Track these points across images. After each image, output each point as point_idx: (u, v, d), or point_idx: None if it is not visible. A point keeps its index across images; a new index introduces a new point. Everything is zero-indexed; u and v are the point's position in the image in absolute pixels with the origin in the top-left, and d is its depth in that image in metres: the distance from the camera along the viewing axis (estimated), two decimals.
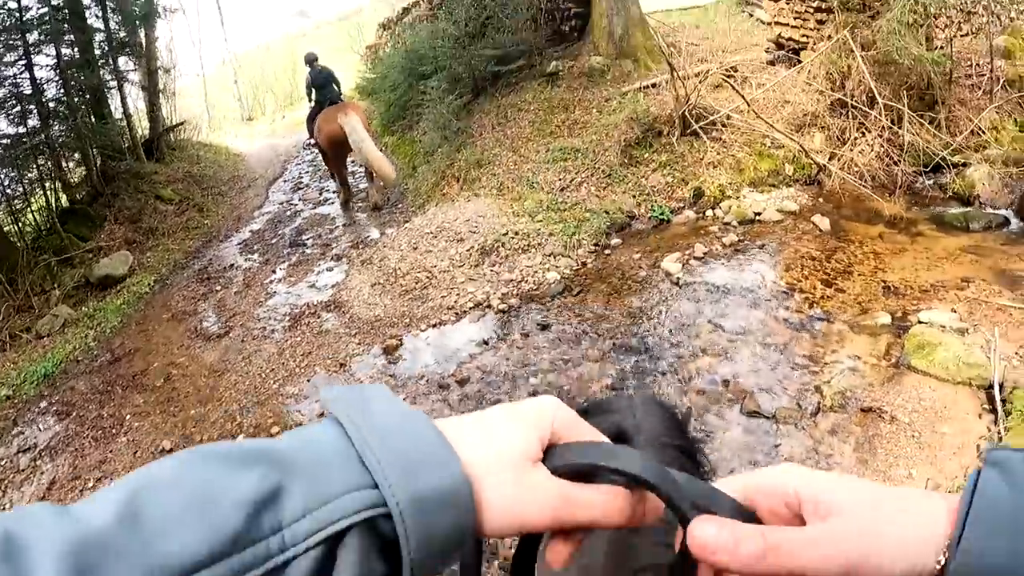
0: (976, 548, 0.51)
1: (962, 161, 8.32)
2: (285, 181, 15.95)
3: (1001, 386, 4.69)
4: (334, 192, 13.29)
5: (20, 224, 12.51)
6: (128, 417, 6.74)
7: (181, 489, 0.49)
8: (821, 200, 8.51)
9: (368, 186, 12.13)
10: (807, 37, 10.59)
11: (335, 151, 11.56)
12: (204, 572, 0.45)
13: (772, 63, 11.35)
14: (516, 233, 8.37)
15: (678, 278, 7.13)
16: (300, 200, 13.75)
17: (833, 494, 0.59)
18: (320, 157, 13.77)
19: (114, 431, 6.56)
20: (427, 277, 7.94)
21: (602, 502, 0.62)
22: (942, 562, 0.53)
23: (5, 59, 12.57)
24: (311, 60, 13.12)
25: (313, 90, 12.96)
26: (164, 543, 0.45)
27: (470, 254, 8.17)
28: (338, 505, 0.52)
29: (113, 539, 0.44)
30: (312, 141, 13.48)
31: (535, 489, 0.60)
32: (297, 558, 0.50)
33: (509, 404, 0.68)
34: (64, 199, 13.65)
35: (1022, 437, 4.12)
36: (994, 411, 4.57)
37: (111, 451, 6.22)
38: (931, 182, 8.44)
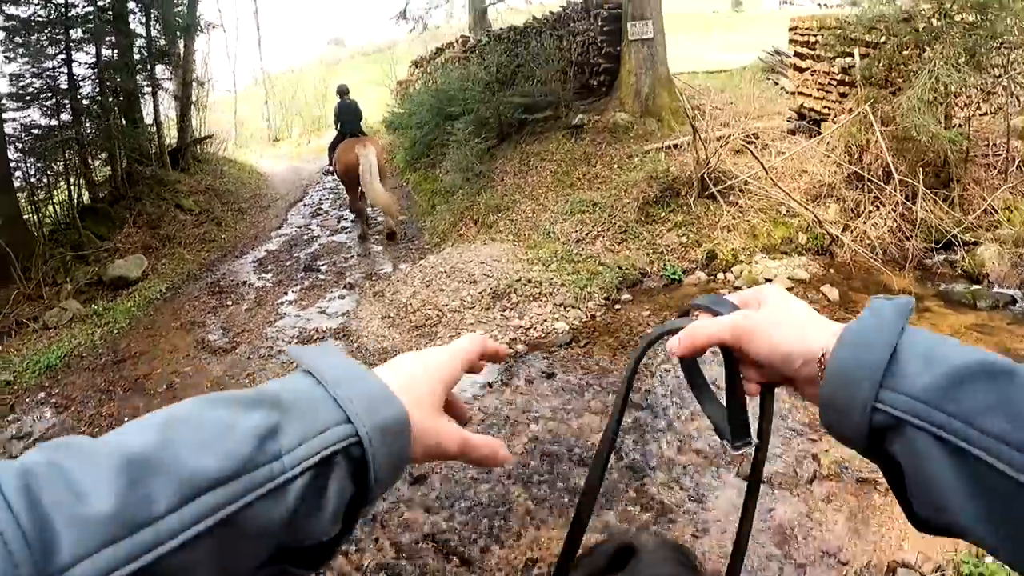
0: (840, 355, 0.77)
1: (973, 239, 8.36)
2: (305, 205, 16.09)
3: None
4: (352, 222, 13.46)
5: (40, 215, 12.63)
6: (126, 419, 6.71)
7: (202, 423, 0.61)
8: (832, 270, 8.55)
9: (384, 216, 12.35)
10: (829, 109, 10.73)
11: (350, 180, 12.07)
12: (226, 486, 0.58)
13: (793, 132, 11.47)
14: (529, 280, 8.43)
15: None
16: (318, 226, 13.87)
17: (769, 297, 0.91)
18: (341, 186, 13.98)
19: (110, 431, 6.57)
20: (437, 315, 7.99)
21: (487, 445, 0.85)
22: (824, 353, 0.79)
23: (46, 52, 12.76)
24: (343, 92, 13.56)
25: (339, 120, 13.49)
26: (194, 461, 0.57)
27: (482, 296, 8.22)
28: (326, 436, 0.66)
29: (154, 457, 0.56)
30: (330, 168, 14.00)
31: (448, 432, 0.80)
32: (295, 479, 0.63)
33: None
34: (86, 196, 13.80)
35: None
36: None
37: None
38: (942, 258, 8.47)
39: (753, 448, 0.94)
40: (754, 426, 0.93)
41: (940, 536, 0.75)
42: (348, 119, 13.35)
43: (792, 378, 0.87)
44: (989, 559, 3.85)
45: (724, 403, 0.94)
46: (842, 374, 0.76)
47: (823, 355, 0.80)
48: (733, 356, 0.89)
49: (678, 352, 0.91)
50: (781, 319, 0.87)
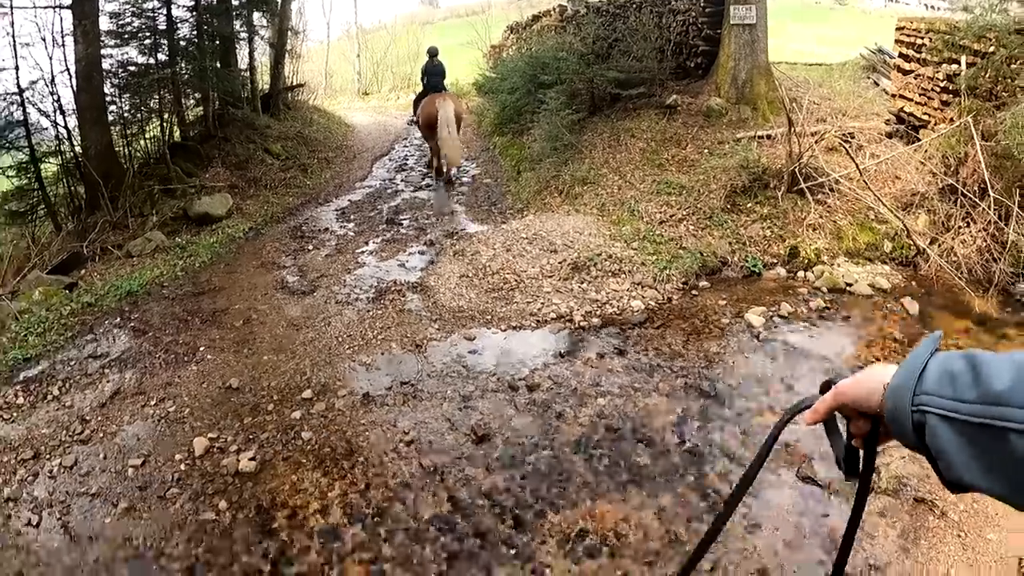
0: (894, 380, 1.12)
1: None
2: (390, 160, 16.17)
3: None
4: (432, 178, 13.62)
5: (132, 148, 12.88)
6: (202, 348, 6.86)
7: None
8: (914, 283, 8.28)
9: (447, 163, 13.36)
10: (929, 116, 10.36)
11: (431, 130, 13.15)
12: None
13: (890, 135, 11.12)
14: (609, 256, 8.33)
15: (759, 332, 7.01)
16: (402, 181, 13.91)
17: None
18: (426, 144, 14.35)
19: (186, 358, 6.68)
20: (515, 280, 7.94)
21: None
22: (886, 383, 1.15)
23: None
24: (432, 53, 14.61)
25: (426, 77, 14.54)
26: None
27: (561, 267, 8.15)
28: None
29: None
30: (415, 119, 14.67)
31: None
32: None
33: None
34: (177, 133, 14.07)
35: None
36: None
37: (179, 376, 6.33)
38: None
39: (857, 481, 1.38)
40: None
41: (963, 492, 1.06)
42: (435, 77, 14.33)
43: (878, 411, 1.19)
44: None
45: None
46: (894, 392, 1.11)
47: (885, 385, 1.16)
48: (845, 414, 1.30)
49: (809, 420, 1.34)
50: (863, 374, 1.26)
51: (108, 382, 6.31)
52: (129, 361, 6.70)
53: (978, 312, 7.54)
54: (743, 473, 1.41)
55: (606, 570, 4.10)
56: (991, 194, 8.25)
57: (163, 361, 6.65)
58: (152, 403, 5.92)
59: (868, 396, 1.19)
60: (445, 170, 13.50)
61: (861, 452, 1.32)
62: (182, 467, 5.07)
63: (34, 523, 4.64)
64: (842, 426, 1.39)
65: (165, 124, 13.60)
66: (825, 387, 1.32)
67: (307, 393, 5.94)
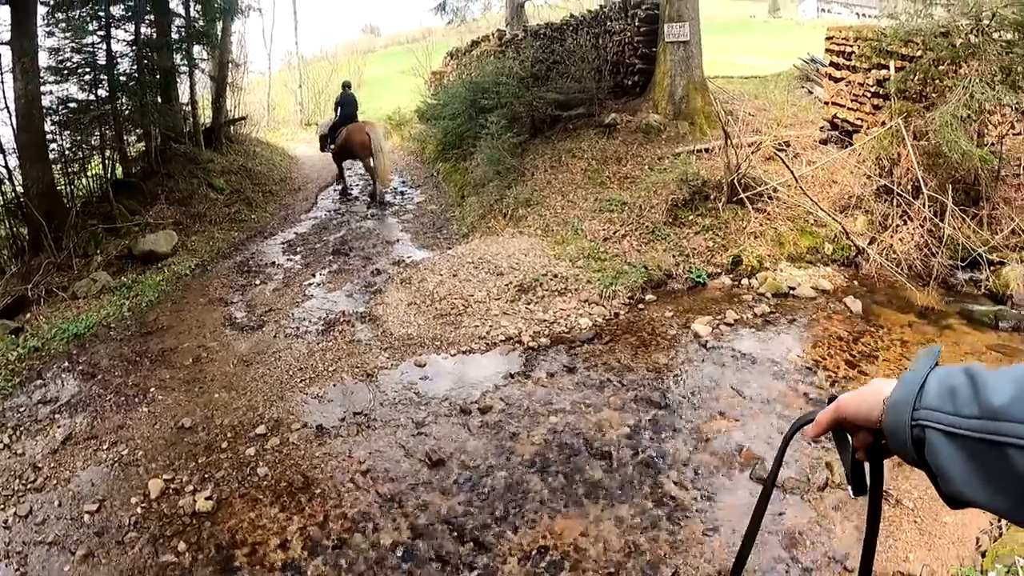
0: (893, 395, 1.10)
1: (999, 259, 8.32)
2: (335, 190, 16.19)
3: None
4: (382, 208, 13.62)
5: (74, 187, 12.74)
6: (153, 389, 6.83)
7: None
8: (856, 282, 8.54)
9: (373, 185, 14.78)
10: (862, 120, 10.69)
11: (360, 154, 14.49)
12: None
13: (824, 142, 11.44)
14: (555, 275, 8.46)
15: (706, 341, 7.18)
16: (348, 211, 13.97)
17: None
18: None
19: (137, 400, 6.65)
20: (463, 305, 8.04)
21: None
22: (887, 398, 1.13)
23: (86, 27, 12.87)
24: (346, 86, 16.47)
25: (340, 107, 15.69)
26: None
27: (508, 289, 8.26)
28: None
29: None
30: (331, 146, 15.66)
31: None
32: None
33: None
34: (120, 170, 13.89)
35: (1022, 535, 4.14)
36: None
37: (131, 418, 6.30)
38: (966, 277, 8.43)
39: (866, 496, 1.36)
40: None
41: (960, 508, 1.04)
42: (348, 107, 15.55)
43: (879, 426, 1.18)
44: (992, 573, 3.85)
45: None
46: (893, 407, 1.09)
47: (885, 399, 1.14)
48: (846, 431, 1.29)
49: (810, 434, 1.34)
50: (865, 389, 1.22)
51: (59, 427, 6.26)
52: (79, 405, 6.65)
53: (920, 305, 7.80)
54: (761, 491, 1.50)
55: None
56: (925, 191, 8.54)
57: (114, 404, 6.61)
58: (105, 447, 5.89)
59: (869, 411, 1.19)
60: (379, 189, 14.64)
61: (867, 466, 1.33)
62: (139, 510, 5.05)
63: None
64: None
65: (107, 161, 13.49)
66: (831, 401, 1.32)
67: (260, 429, 5.95)
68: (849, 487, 1.37)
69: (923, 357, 1.13)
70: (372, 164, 14.40)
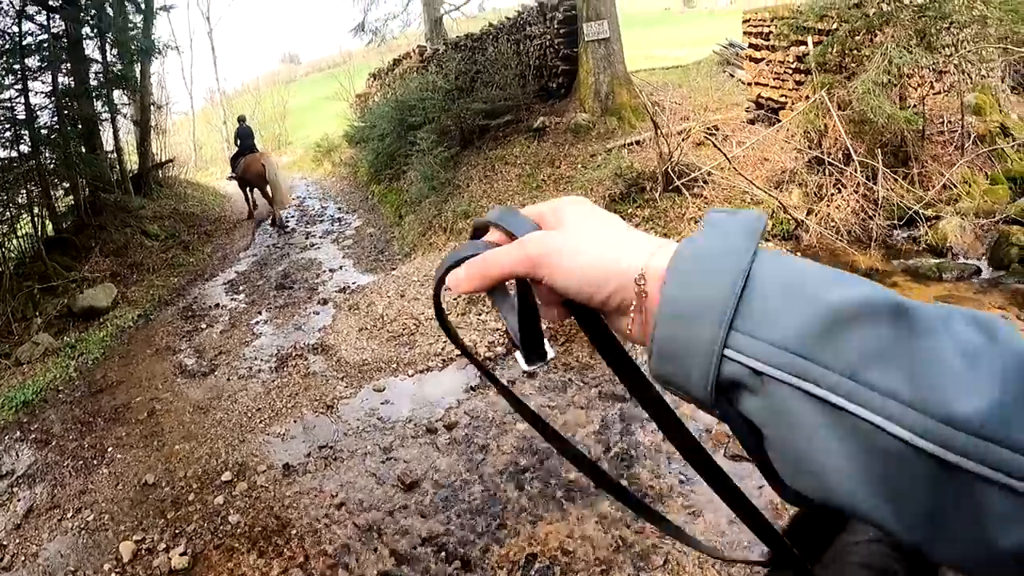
0: (675, 285, 0.62)
1: (935, 214, 8.54)
2: (272, 224, 16.04)
3: None
4: (320, 237, 13.59)
5: (4, 249, 12.44)
6: (110, 449, 6.70)
7: None
8: (798, 254, 8.64)
9: (272, 210, 15.55)
10: (786, 97, 10.89)
11: (258, 183, 15.39)
12: None
13: (752, 122, 11.63)
14: None
15: None
16: (286, 244, 13.85)
17: (568, 213, 0.76)
18: (307, 203, 14.57)
19: (95, 462, 6.52)
20: (414, 324, 8.01)
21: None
22: (645, 275, 0.66)
23: (2, 82, 12.61)
24: (242, 120, 17.67)
25: (239, 139, 16.88)
26: None
27: (457, 303, 8.24)
28: None
29: None
30: (234, 176, 16.84)
31: None
32: None
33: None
34: (50, 227, 13.65)
35: None
36: None
37: (92, 482, 6.17)
38: (905, 235, 8.64)
39: (546, 364, 0.95)
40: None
41: (811, 508, 0.65)
42: (247, 139, 16.80)
43: (604, 310, 0.73)
44: None
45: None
46: (678, 310, 0.61)
47: (641, 279, 0.67)
48: (527, 284, 0.77)
49: (464, 288, 0.76)
50: (587, 238, 0.72)
51: (19, 501, 6.11)
52: (37, 475, 6.49)
53: (864, 267, 7.97)
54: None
55: None
56: (855, 158, 8.75)
57: (72, 469, 6.47)
58: (69, 515, 5.75)
59: (596, 291, 0.70)
60: (278, 214, 15.48)
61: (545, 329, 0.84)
62: None
63: None
64: None
65: (36, 219, 13.21)
66: (480, 232, 0.85)
67: (226, 475, 5.86)
68: (519, 354, 0.83)
69: (730, 225, 0.66)
70: (269, 192, 15.25)
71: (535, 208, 0.80)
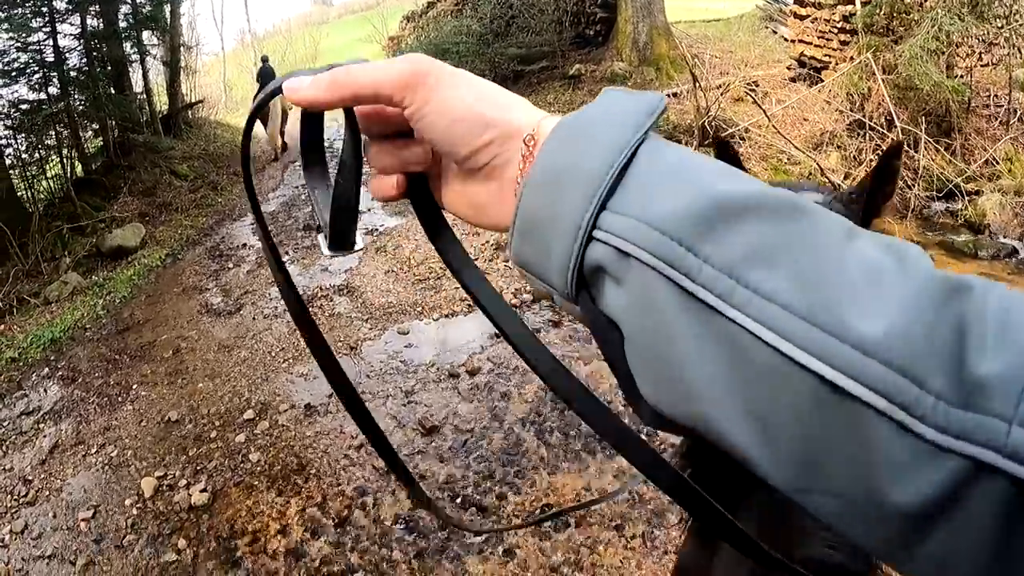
0: (553, 148, 0.55)
1: (975, 189, 8.34)
2: (300, 166, 15.99)
3: None
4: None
5: (34, 190, 12.50)
6: (135, 386, 6.72)
7: None
8: None
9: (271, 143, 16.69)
10: (829, 57, 10.62)
11: (262, 118, 15.45)
12: None
13: (793, 80, 11.38)
14: None
15: None
16: None
17: (446, 73, 0.63)
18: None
19: (120, 399, 6.54)
20: (441, 268, 7.94)
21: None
22: (534, 136, 0.58)
23: (30, 25, 12.56)
24: (264, 59, 18.23)
25: (262, 79, 17.18)
26: None
27: (485, 248, 8.18)
28: None
29: None
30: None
31: None
32: None
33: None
34: (79, 168, 13.66)
35: None
36: None
37: (116, 418, 6.20)
38: (943, 208, 8.44)
39: (354, 254, 0.75)
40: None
41: (674, 434, 0.61)
42: (267, 79, 15.81)
43: (464, 167, 0.64)
44: None
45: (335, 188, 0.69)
46: (547, 179, 0.54)
47: (531, 139, 0.59)
48: (358, 124, 0.66)
49: (306, 95, 0.64)
50: (477, 82, 0.63)
51: (45, 437, 6.15)
52: (63, 412, 6.53)
53: (899, 238, 7.76)
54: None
55: (575, 540, 4.14)
56: (898, 124, 8.53)
57: (97, 406, 6.50)
58: (93, 451, 5.78)
59: (471, 134, 0.60)
60: (273, 144, 16.58)
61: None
62: (134, 511, 4.96)
63: None
64: None
65: (66, 160, 13.23)
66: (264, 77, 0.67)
67: (249, 414, 5.86)
68: (323, 235, 0.74)
69: (624, 100, 0.57)
70: (268, 127, 16.23)
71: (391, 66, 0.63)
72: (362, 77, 0.61)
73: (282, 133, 17.05)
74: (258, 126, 16.75)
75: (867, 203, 1.28)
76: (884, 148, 8.49)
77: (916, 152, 8.50)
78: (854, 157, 9.02)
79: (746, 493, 1.00)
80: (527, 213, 0.55)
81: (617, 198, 0.51)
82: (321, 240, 0.74)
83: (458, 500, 4.56)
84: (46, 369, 7.57)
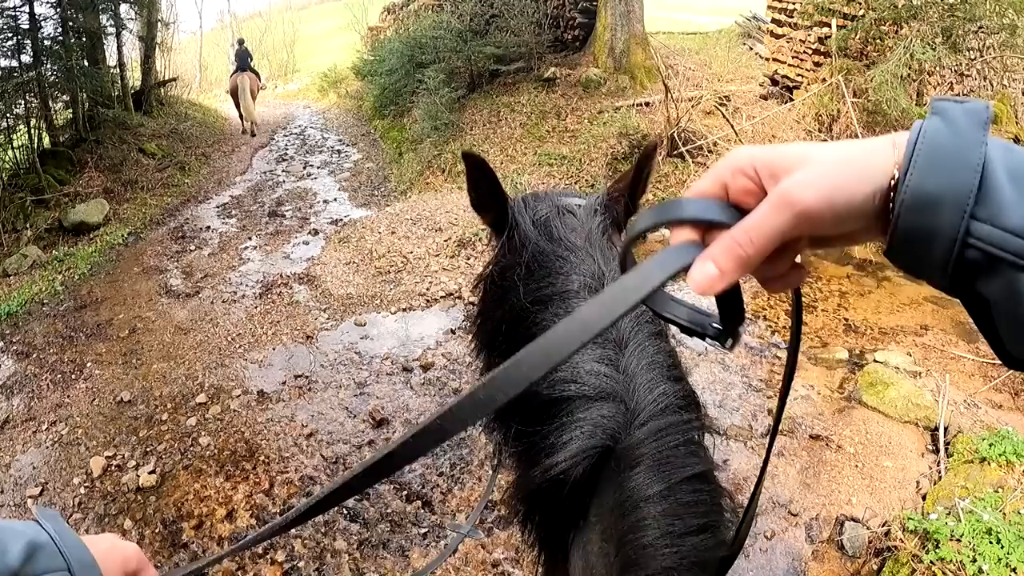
0: (918, 178, 0.64)
1: None
2: (270, 151, 15.99)
3: (946, 429, 4.90)
4: (318, 167, 13.59)
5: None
6: (89, 364, 6.71)
7: None
8: None
9: (246, 123, 18.39)
10: (802, 77, 10.78)
11: (234, 94, 18.03)
12: None
13: (765, 98, 11.53)
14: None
15: None
16: (283, 172, 13.80)
17: (784, 157, 0.71)
18: (307, 132, 14.58)
19: (74, 376, 6.54)
20: (402, 262, 8.01)
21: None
22: (894, 177, 0.66)
23: None
24: (240, 42, 19.66)
25: (237, 60, 18.73)
26: None
27: (447, 244, 8.24)
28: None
29: None
30: (228, 90, 19.33)
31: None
32: None
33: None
34: (47, 140, 13.50)
35: (960, 478, 4.27)
36: (936, 451, 4.77)
37: (69, 396, 6.20)
38: None
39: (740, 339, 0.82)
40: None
41: None
42: (242, 60, 18.50)
43: (849, 231, 0.71)
44: (934, 515, 3.96)
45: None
46: (920, 203, 0.64)
47: (893, 181, 0.67)
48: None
49: (729, 279, 0.71)
50: (830, 158, 0.69)
51: None
52: (15, 387, 6.51)
53: (858, 258, 7.95)
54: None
55: (517, 538, 4.22)
56: None
57: (50, 382, 6.49)
58: (43, 428, 5.78)
59: (848, 202, 0.68)
60: (247, 124, 18.30)
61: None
62: (82, 490, 4.98)
63: None
64: None
65: (33, 130, 13.06)
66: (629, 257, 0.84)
67: (201, 397, 5.89)
68: (709, 335, 0.84)
69: (959, 117, 0.66)
70: (241, 105, 17.84)
71: (707, 181, 0.76)
72: (764, 237, 0.70)
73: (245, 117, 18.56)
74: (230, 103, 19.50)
75: (627, 202, 1.46)
76: None
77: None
78: None
79: (573, 529, 1.11)
80: (905, 231, 0.66)
81: (979, 208, 0.62)
82: (710, 342, 0.84)
83: (404, 494, 4.63)
84: (1, 342, 7.54)
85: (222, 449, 5.24)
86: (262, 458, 5.10)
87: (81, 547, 1.04)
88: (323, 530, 4.39)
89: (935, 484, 4.45)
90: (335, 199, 11.49)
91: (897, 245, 0.67)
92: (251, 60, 19.28)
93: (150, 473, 5.02)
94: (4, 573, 0.82)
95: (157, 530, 4.55)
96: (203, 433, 5.44)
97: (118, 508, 4.77)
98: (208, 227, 10.58)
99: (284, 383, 6.02)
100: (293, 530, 4.40)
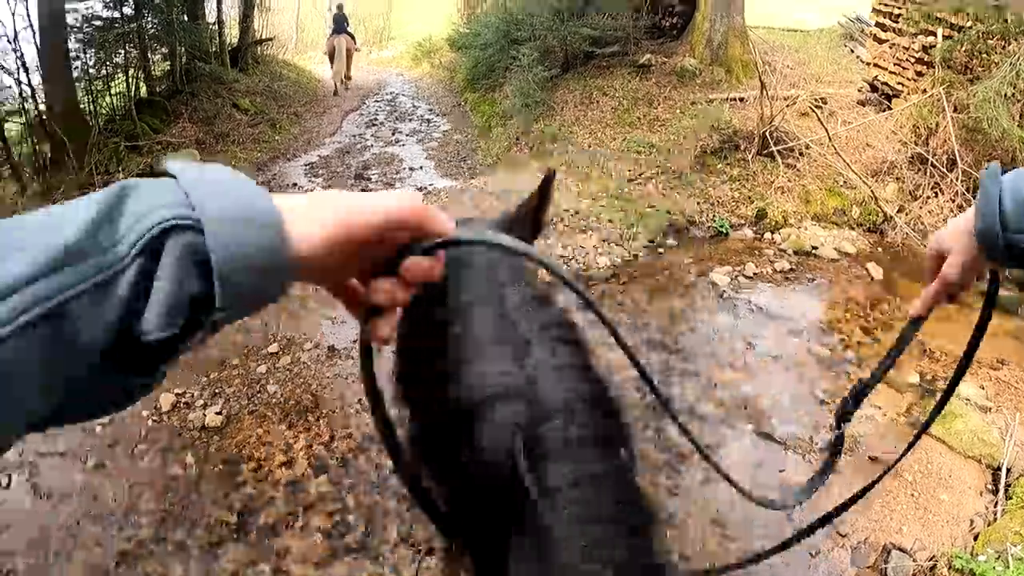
0: (976, 223, 1.31)
1: None
2: (361, 115, 16.10)
3: (1008, 470, 4.68)
4: (407, 135, 13.70)
5: (97, 105, 12.64)
6: None
7: (23, 224, 0.56)
8: (880, 249, 8.38)
9: (338, 84, 19.19)
10: (902, 85, 10.44)
11: (330, 58, 19.00)
12: (37, 283, 0.52)
13: (862, 103, 11.20)
14: (576, 212, 8.38)
15: (723, 291, 7.09)
16: (372, 136, 13.88)
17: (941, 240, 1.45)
18: (398, 99, 14.71)
19: None
20: None
21: (383, 206, 0.76)
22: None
23: None
24: (339, 6, 20.01)
25: (334, 23, 19.64)
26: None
27: None
28: (154, 216, 0.60)
29: None
30: (325, 51, 19.90)
31: (324, 203, 0.74)
32: (125, 269, 0.57)
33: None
34: (144, 89, 13.76)
35: (1016, 523, 4.10)
36: (995, 492, 4.57)
37: None
38: None
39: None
40: None
41: None
42: (338, 24, 19.41)
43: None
44: (983, 557, 3.82)
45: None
46: (983, 224, 1.31)
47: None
48: None
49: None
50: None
51: None
52: None
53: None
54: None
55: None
56: (960, 166, 8.37)
57: None
58: None
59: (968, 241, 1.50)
60: (339, 85, 19.04)
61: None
62: (149, 423, 5.08)
63: (3, 484, 4.65)
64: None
65: (131, 80, 13.38)
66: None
67: (273, 347, 5.95)
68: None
69: (986, 183, 1.33)
70: (336, 66, 18.83)
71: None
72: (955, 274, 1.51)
73: (347, 77, 19.62)
74: (325, 64, 20.66)
75: (532, 223, 1.52)
76: (943, 187, 8.38)
77: (974, 197, 8.34)
78: (911, 192, 8.88)
79: (509, 531, 1.10)
80: (980, 235, 1.33)
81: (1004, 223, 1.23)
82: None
83: None
84: None
85: (288, 398, 5.29)
86: (326, 411, 5.13)
87: (236, 189, 0.67)
88: (377, 489, 4.40)
89: (989, 525, 4.28)
90: (421, 167, 11.51)
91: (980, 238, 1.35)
92: (347, 24, 19.96)
93: (216, 414, 5.09)
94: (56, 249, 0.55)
95: (216, 468, 4.61)
96: (271, 381, 5.49)
97: (182, 443, 4.85)
98: (295, 184, 10.71)
99: (355, 341, 6.04)
100: (348, 484, 4.44)
